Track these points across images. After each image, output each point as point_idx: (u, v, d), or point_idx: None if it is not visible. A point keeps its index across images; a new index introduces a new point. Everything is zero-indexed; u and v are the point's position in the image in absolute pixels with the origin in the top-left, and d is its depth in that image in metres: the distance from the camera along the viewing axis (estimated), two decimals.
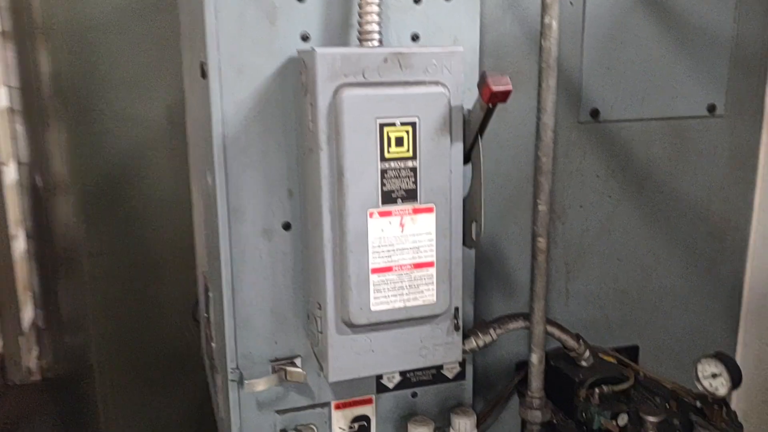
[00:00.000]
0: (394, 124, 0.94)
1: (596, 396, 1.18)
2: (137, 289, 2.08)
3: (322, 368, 1.09)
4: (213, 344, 1.32)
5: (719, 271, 1.47)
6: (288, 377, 1.08)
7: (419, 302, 0.99)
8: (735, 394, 1.54)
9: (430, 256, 0.99)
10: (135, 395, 2.22)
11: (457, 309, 1.04)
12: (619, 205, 1.36)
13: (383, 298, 0.97)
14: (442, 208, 0.98)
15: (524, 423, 1.37)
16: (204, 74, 1.03)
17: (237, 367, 1.08)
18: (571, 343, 1.24)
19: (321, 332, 1.00)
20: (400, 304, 0.98)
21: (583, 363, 1.26)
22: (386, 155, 0.94)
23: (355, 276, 0.96)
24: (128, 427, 2.24)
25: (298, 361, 1.11)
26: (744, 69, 1.38)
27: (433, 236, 0.99)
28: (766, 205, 1.44)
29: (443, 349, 1.05)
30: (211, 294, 1.29)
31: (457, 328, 1.04)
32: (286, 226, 1.06)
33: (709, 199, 1.42)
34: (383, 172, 0.94)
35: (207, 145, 1.07)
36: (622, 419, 1.17)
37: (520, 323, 1.21)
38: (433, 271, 1.00)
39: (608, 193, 1.35)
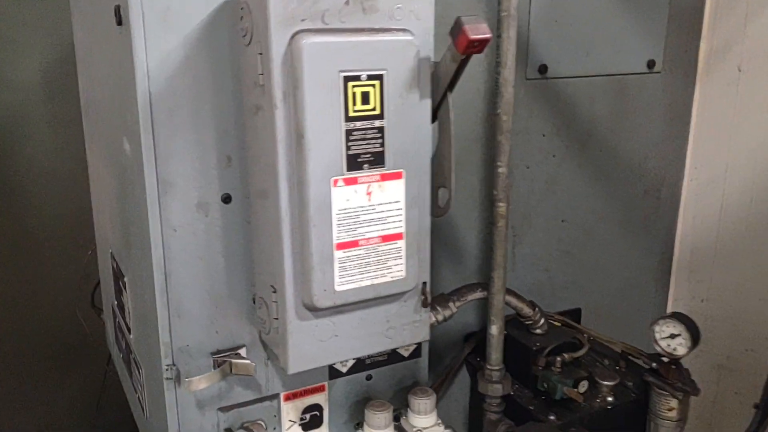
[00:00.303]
0: (359, 78, 0.82)
1: (558, 364, 1.13)
2: (19, 273, 1.83)
3: (275, 358, 0.96)
4: (131, 336, 1.15)
5: (654, 228, 1.46)
6: (234, 370, 0.94)
7: (387, 279, 0.89)
8: None
9: (399, 227, 0.88)
10: (17, 391, 1.98)
11: (424, 284, 0.94)
12: (562, 165, 1.31)
13: (349, 276, 0.86)
14: (411, 174, 0.88)
15: (473, 396, 1.31)
16: (120, 21, 0.86)
17: (173, 363, 0.93)
18: (526, 311, 1.19)
19: (277, 318, 0.88)
20: (367, 282, 0.87)
21: (538, 331, 1.21)
22: (351, 114, 0.82)
23: (318, 253, 0.83)
24: (9, 426, 2.00)
25: (242, 351, 0.97)
26: (680, 24, 1.36)
27: (402, 205, 0.88)
28: (697, 161, 1.44)
29: (411, 328, 0.95)
30: (127, 278, 1.12)
31: (425, 304, 0.95)
32: (226, 199, 0.92)
33: (646, 156, 1.40)
34: (348, 133, 0.82)
35: (127, 106, 0.90)
36: (583, 386, 1.13)
37: (479, 293, 1.13)
38: (402, 243, 0.89)
39: (553, 152, 1.29)
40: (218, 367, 0.95)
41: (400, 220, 0.88)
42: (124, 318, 1.20)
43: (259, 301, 0.94)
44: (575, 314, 1.39)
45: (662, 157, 1.42)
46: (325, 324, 0.88)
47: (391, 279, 0.89)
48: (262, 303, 0.92)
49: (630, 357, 1.24)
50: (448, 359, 1.28)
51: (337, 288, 0.85)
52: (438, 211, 0.94)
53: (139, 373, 1.12)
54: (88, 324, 1.84)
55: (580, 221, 1.36)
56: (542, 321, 1.20)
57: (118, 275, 1.19)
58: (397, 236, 0.88)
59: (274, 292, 0.87)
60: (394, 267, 0.89)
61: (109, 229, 1.25)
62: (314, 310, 0.86)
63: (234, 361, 0.94)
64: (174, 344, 0.93)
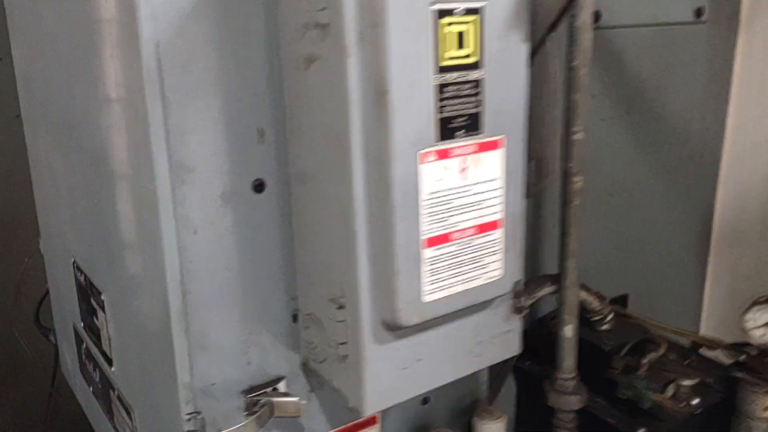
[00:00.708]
0: (452, 12, 0.60)
1: (644, 367, 0.95)
2: None
3: (319, 389, 0.74)
4: (113, 369, 0.90)
5: (694, 198, 1.31)
6: (276, 412, 0.72)
7: (483, 281, 0.68)
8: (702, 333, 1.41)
9: (497, 212, 0.68)
10: None
11: (517, 283, 0.74)
12: (611, 130, 1.13)
13: (439, 281, 0.65)
14: (511, 142, 0.67)
15: (521, 407, 1.12)
16: None
17: (197, 411, 0.69)
18: (595, 304, 1.00)
19: (344, 343, 0.65)
20: (460, 288, 0.66)
21: (605, 326, 1.03)
22: (443, 62, 0.60)
23: (404, 253, 0.62)
24: None
25: (281, 386, 0.75)
26: None
27: (501, 183, 0.67)
28: (740, 121, 1.29)
29: (502, 340, 0.75)
30: (106, 297, 0.87)
31: (518, 310, 0.75)
32: (258, 186, 0.69)
33: (690, 119, 1.24)
34: (440, 88, 0.60)
35: (113, 65, 0.65)
36: (670, 390, 0.96)
37: (548, 288, 0.93)
38: (500, 234, 0.68)
39: (602, 115, 1.11)
40: (254, 409, 0.72)
41: (498, 204, 0.67)
42: (99, 345, 0.94)
43: (305, 319, 0.71)
44: (622, 301, 1.22)
45: (704, 120, 1.26)
46: (407, 346, 0.67)
47: (487, 281, 0.68)
48: (314, 322, 0.69)
49: (701, 349, 1.08)
50: (495, 368, 1.08)
51: (426, 298, 0.64)
52: (530, 189, 0.74)
53: (129, 416, 0.87)
54: (25, 343, 1.58)
55: (626, 195, 1.19)
56: (611, 315, 1.02)
57: (88, 292, 0.93)
58: (493, 225, 0.68)
59: (340, 308, 0.65)
60: (491, 265, 0.68)
61: (69, 233, 0.99)
62: (396, 329, 0.64)
63: (276, 400, 0.71)
64: (196, 384, 0.69)
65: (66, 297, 1.08)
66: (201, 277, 0.67)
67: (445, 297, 0.65)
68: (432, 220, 0.63)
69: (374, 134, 0.59)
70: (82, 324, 1.01)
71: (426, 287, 0.64)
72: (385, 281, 0.62)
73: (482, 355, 0.73)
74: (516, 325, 0.76)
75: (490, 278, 0.68)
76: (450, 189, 0.63)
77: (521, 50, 0.65)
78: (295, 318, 0.73)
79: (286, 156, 0.69)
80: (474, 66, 0.62)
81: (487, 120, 0.64)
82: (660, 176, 1.23)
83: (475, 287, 0.67)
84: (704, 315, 1.42)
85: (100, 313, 0.90)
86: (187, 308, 0.67)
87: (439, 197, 0.63)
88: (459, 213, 0.64)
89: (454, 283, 0.66)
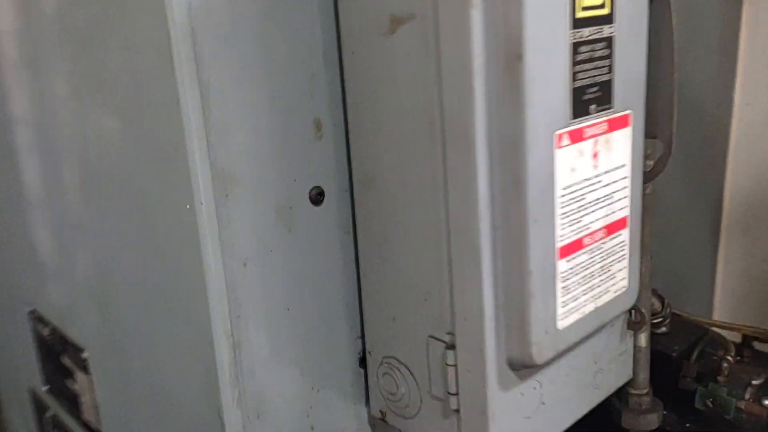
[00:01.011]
0: None
1: (725, 372, 0.84)
2: None
3: None
4: None
5: (708, 181, 1.22)
6: None
7: (611, 295, 0.54)
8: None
9: (625, 207, 0.54)
10: None
11: None
12: None
13: (572, 301, 0.50)
14: (637, 118, 0.53)
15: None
16: None
17: None
18: (656, 306, 0.88)
19: (454, 393, 0.50)
20: (591, 306, 0.52)
21: (663, 329, 0.91)
22: (579, 14, 0.46)
23: (539, 269, 0.47)
24: None
25: None
26: None
27: (628, 171, 0.53)
28: (749, 97, 1.21)
29: (617, 365, 0.62)
30: (90, 355, 0.67)
31: (633, 326, 0.61)
32: (317, 197, 0.52)
33: (706, 95, 1.15)
34: (575, 49, 0.46)
35: (135, 34, 0.48)
36: (749, 394, 0.85)
37: None
38: (627, 234, 0.54)
39: None
40: None
41: (627, 197, 0.54)
42: (76, 414, 0.74)
43: (383, 364, 0.55)
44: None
45: (716, 95, 1.17)
46: (531, 388, 0.52)
47: (615, 294, 0.54)
48: (398, 367, 0.53)
49: (755, 342, 0.98)
50: None
51: (560, 324, 0.49)
52: (645, 174, 0.60)
53: None
54: None
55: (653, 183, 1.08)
56: (669, 317, 0.91)
57: (57, 348, 0.73)
58: (622, 223, 0.54)
59: (450, 347, 0.49)
60: (618, 274, 0.54)
61: (24, 276, 0.78)
62: (526, 367, 0.49)
63: None
64: None
65: (16, 354, 0.87)
66: (255, 323, 0.50)
67: (578, 320, 0.51)
68: (566, 223, 0.48)
69: (502, 114, 0.44)
70: (47, 388, 0.80)
71: (560, 310, 0.49)
72: (513, 308, 0.47)
73: (600, 387, 0.59)
74: (630, 344, 0.63)
75: (618, 290, 0.55)
76: (583, 180, 0.49)
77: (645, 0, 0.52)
78: (361, 361, 0.57)
79: (347, 155, 0.53)
80: (608, 19, 0.48)
81: (617, 90, 0.50)
82: (679, 159, 1.13)
83: (604, 304, 0.53)
84: (716, 301, 1.35)
85: (78, 374, 0.71)
86: (240, 367, 0.49)
87: (572, 192, 0.48)
88: (591, 211, 0.50)
89: (585, 302, 0.51)
